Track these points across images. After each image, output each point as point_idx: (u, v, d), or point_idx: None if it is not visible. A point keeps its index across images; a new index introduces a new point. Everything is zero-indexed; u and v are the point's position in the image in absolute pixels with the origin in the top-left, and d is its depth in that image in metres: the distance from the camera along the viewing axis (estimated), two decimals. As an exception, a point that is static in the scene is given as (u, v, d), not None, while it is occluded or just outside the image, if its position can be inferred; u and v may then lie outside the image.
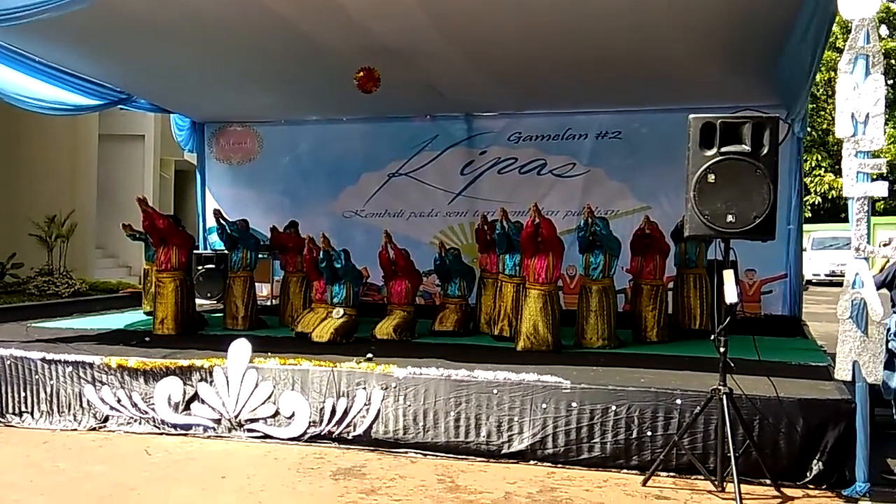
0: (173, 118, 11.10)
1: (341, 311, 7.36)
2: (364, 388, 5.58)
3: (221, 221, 8.63)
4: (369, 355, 5.94)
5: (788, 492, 4.70)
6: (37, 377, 6.19)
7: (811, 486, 4.79)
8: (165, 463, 5.27)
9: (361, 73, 7.58)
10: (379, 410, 5.53)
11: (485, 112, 10.21)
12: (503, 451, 5.30)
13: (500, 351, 6.79)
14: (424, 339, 7.62)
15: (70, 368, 6.14)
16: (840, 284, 4.71)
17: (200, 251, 10.40)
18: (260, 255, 9.29)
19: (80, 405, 6.11)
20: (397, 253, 7.83)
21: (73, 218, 14.54)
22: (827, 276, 23.97)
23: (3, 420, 6.22)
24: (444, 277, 8.25)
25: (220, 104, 10.24)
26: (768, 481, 4.73)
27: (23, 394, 6.21)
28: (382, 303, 8.38)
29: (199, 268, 9.96)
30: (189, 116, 11.05)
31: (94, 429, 6.04)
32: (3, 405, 6.24)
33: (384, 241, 7.85)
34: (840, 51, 6.01)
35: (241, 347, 5.86)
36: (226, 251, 9.43)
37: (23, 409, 6.21)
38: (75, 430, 6.05)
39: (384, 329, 7.48)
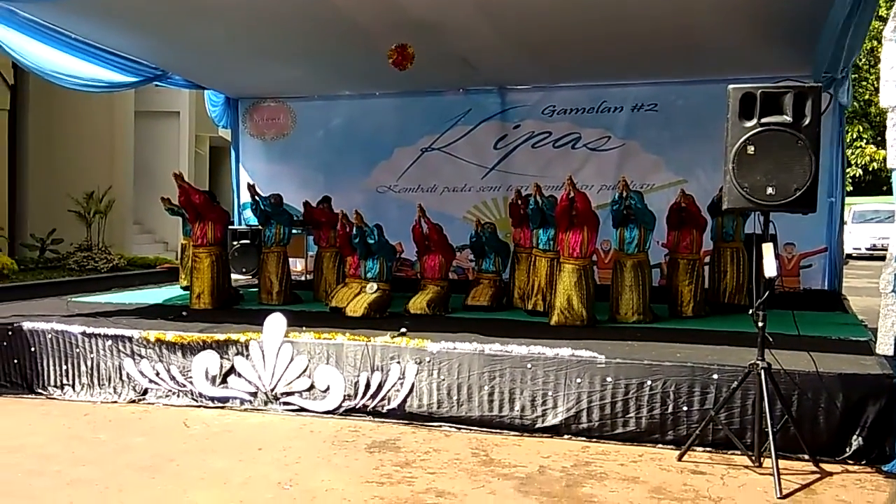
0: (207, 94, 11.16)
1: (375, 285, 7.38)
2: (398, 363, 5.60)
3: (255, 197, 8.68)
4: (403, 329, 5.95)
5: (827, 467, 4.64)
6: (77, 350, 6.30)
7: (850, 462, 4.73)
8: (203, 435, 5.35)
9: (395, 50, 7.54)
10: (413, 384, 5.55)
11: (518, 85, 10.10)
12: (537, 426, 5.29)
13: (534, 326, 6.77)
14: (458, 313, 7.62)
15: (110, 342, 6.23)
16: (881, 258, 4.61)
17: (235, 227, 10.48)
18: (294, 231, 9.32)
19: (120, 378, 6.21)
20: (431, 227, 7.82)
21: (110, 194, 14.75)
22: (868, 249, 23.57)
23: (44, 393, 6.34)
24: (479, 253, 8.23)
25: (254, 80, 10.25)
26: (806, 457, 4.67)
27: (64, 367, 6.33)
28: (416, 278, 8.38)
29: (234, 243, 10.05)
30: (223, 92, 11.09)
31: (133, 401, 6.14)
32: (45, 378, 6.36)
33: (418, 216, 7.84)
34: (884, 19, 5.85)
35: (276, 322, 5.91)
36: (260, 227, 9.51)
37: (64, 381, 6.33)
38: (115, 402, 6.16)
39: (418, 304, 7.49)
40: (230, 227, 9.52)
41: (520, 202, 8.17)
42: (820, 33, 6.97)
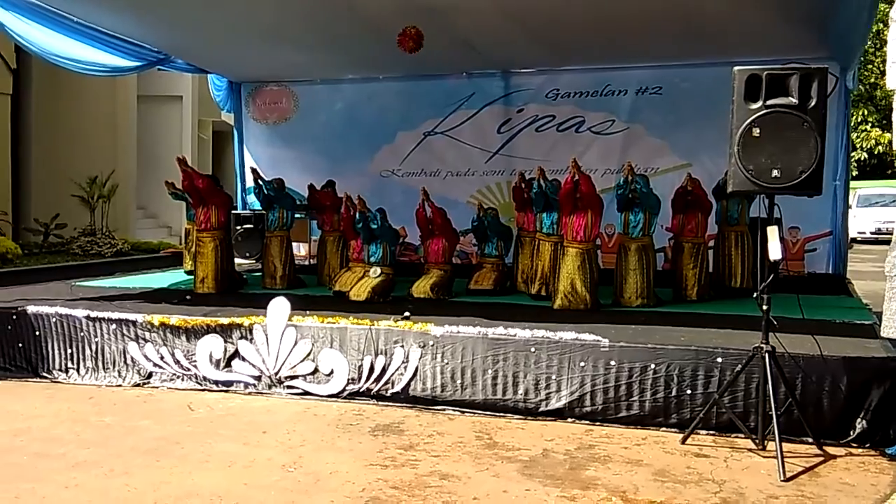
0: (211, 78, 11.12)
1: (378, 269, 7.38)
2: (402, 346, 5.61)
3: (258, 181, 8.68)
4: (407, 313, 5.95)
5: (831, 450, 4.64)
6: (82, 334, 6.31)
7: (854, 445, 4.73)
8: (208, 418, 5.36)
9: (404, 33, 7.52)
10: (417, 368, 5.56)
11: (522, 69, 10.03)
12: (541, 409, 5.30)
13: (538, 309, 6.77)
14: (461, 297, 7.62)
15: (114, 326, 6.25)
16: (886, 242, 4.60)
17: (239, 211, 10.47)
18: (297, 215, 9.32)
19: (125, 362, 6.23)
20: (434, 211, 7.81)
21: (113, 179, 14.76)
22: (872, 233, 23.49)
23: (49, 376, 6.36)
24: (481, 238, 8.21)
25: (256, 63, 10.22)
26: (810, 440, 4.67)
27: (68, 350, 6.35)
28: (420, 262, 8.38)
29: (238, 227, 10.03)
30: (225, 76, 11.06)
31: (138, 385, 6.16)
32: (50, 362, 6.38)
33: (422, 199, 7.82)
34: (890, 2, 5.79)
35: (280, 306, 5.91)
36: (263, 211, 9.50)
37: (69, 365, 6.35)
38: (120, 385, 6.18)
39: (421, 287, 7.50)
40: (233, 211, 9.51)
41: (523, 186, 8.15)
42: (834, 15, 6.92)
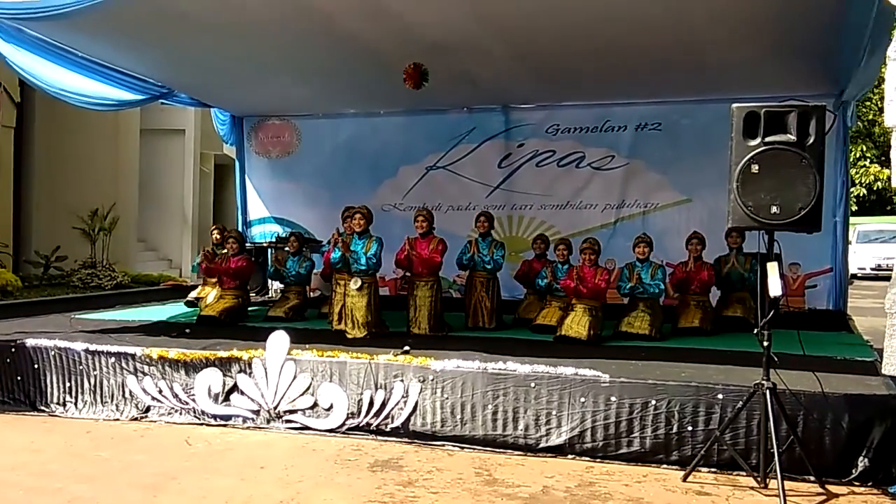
0: (214, 112, 11.20)
1: (359, 280, 7.22)
2: (401, 381, 5.58)
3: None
4: (406, 347, 5.94)
5: (833, 489, 4.61)
6: (80, 367, 6.29)
7: (856, 483, 4.69)
8: (206, 453, 5.33)
9: (410, 70, 7.62)
10: (416, 403, 5.53)
11: (522, 104, 10.10)
12: (541, 445, 5.26)
13: (538, 344, 6.75)
14: (461, 332, 7.60)
15: (112, 359, 6.23)
16: (886, 278, 4.59)
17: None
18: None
19: (123, 395, 6.20)
20: (418, 262, 7.55)
21: (115, 211, 14.80)
22: (872, 269, 23.48)
23: (47, 410, 6.33)
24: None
25: (259, 98, 10.29)
26: (812, 478, 4.64)
27: (67, 384, 6.32)
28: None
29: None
30: (228, 111, 11.14)
31: (136, 419, 6.13)
32: (48, 395, 6.35)
33: (406, 248, 7.50)
34: (888, 40, 5.85)
35: (279, 339, 5.90)
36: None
37: (66, 398, 6.32)
38: (118, 419, 6.15)
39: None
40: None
41: (532, 265, 8.30)
42: (833, 53, 7.01)
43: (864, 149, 25.99)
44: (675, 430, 5.01)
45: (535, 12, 6.62)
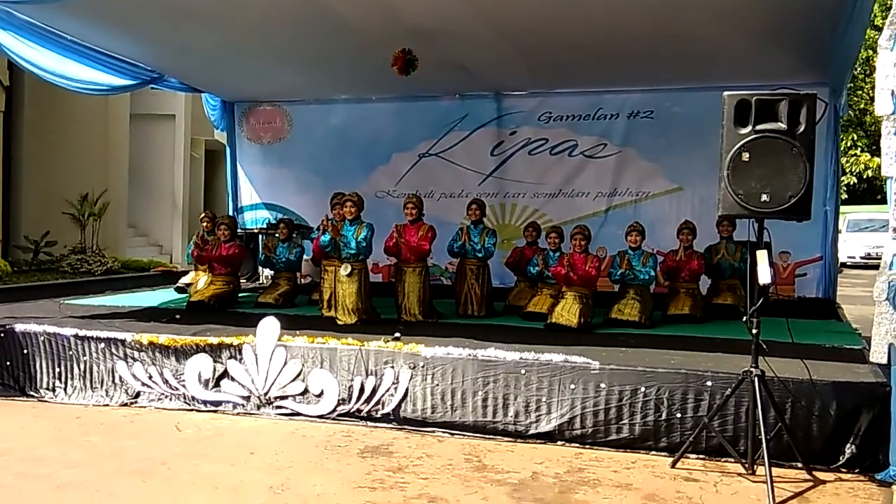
0: (205, 97, 11.14)
1: (349, 267, 7.18)
2: (392, 367, 5.59)
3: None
4: (397, 334, 5.94)
5: (820, 475, 4.64)
6: (70, 353, 6.27)
7: (843, 470, 4.73)
8: (195, 439, 5.33)
9: (399, 57, 7.58)
10: (407, 389, 5.54)
11: (514, 91, 10.08)
12: (531, 432, 5.28)
13: (529, 331, 6.76)
14: (452, 319, 7.61)
15: (102, 345, 6.21)
16: (875, 267, 4.61)
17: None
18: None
19: (113, 381, 6.19)
20: (406, 249, 7.58)
21: (105, 197, 14.72)
22: (862, 258, 23.61)
23: (36, 395, 6.32)
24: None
25: (250, 83, 10.25)
26: (800, 464, 4.68)
27: (56, 369, 6.31)
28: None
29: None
30: (219, 96, 11.08)
31: (125, 404, 6.12)
32: (37, 381, 6.34)
33: (394, 235, 7.58)
34: (879, 28, 5.86)
35: (269, 325, 5.89)
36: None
37: (56, 384, 6.30)
38: (107, 405, 6.14)
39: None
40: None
41: (524, 252, 8.30)
42: (824, 41, 7.01)
43: (855, 137, 26.00)
44: (664, 416, 5.03)
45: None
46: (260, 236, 10.55)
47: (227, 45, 8.25)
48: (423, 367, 5.52)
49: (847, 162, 24.97)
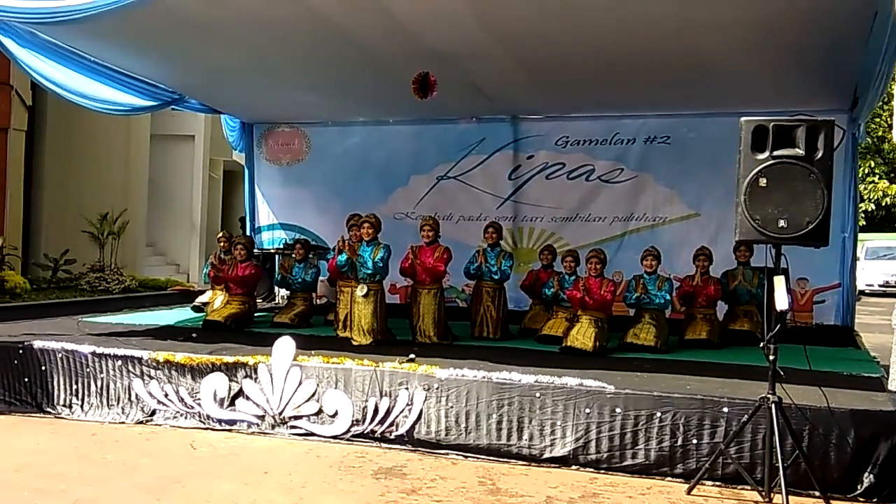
0: (224, 119, 11.25)
1: (365, 287, 7.22)
2: (406, 389, 5.59)
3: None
4: (412, 356, 5.94)
5: (838, 505, 4.60)
6: (87, 370, 6.31)
7: (861, 500, 4.68)
8: (210, 457, 5.34)
9: (418, 80, 7.65)
10: (421, 411, 5.53)
11: (531, 115, 10.11)
12: (545, 455, 5.26)
13: (544, 354, 6.74)
14: (466, 341, 7.61)
15: (119, 363, 6.25)
16: (894, 295, 4.60)
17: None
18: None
19: (129, 399, 6.21)
20: (422, 272, 7.61)
21: (124, 216, 14.87)
22: (881, 286, 23.41)
23: (53, 412, 6.35)
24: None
25: (269, 105, 10.34)
26: (817, 493, 4.61)
27: (73, 386, 6.34)
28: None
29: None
30: (238, 117, 11.18)
31: (141, 422, 6.14)
32: (54, 397, 6.37)
33: (409, 257, 7.63)
34: None
35: (285, 345, 5.91)
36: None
37: (73, 401, 6.34)
38: (123, 422, 6.16)
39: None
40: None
41: (539, 275, 8.28)
42: (844, 68, 7.01)
43: (873, 164, 25.93)
44: (679, 442, 5.00)
45: (544, 23, 6.65)
46: (276, 256, 10.61)
47: (247, 67, 8.34)
48: (437, 388, 5.52)
49: (865, 189, 24.82)
